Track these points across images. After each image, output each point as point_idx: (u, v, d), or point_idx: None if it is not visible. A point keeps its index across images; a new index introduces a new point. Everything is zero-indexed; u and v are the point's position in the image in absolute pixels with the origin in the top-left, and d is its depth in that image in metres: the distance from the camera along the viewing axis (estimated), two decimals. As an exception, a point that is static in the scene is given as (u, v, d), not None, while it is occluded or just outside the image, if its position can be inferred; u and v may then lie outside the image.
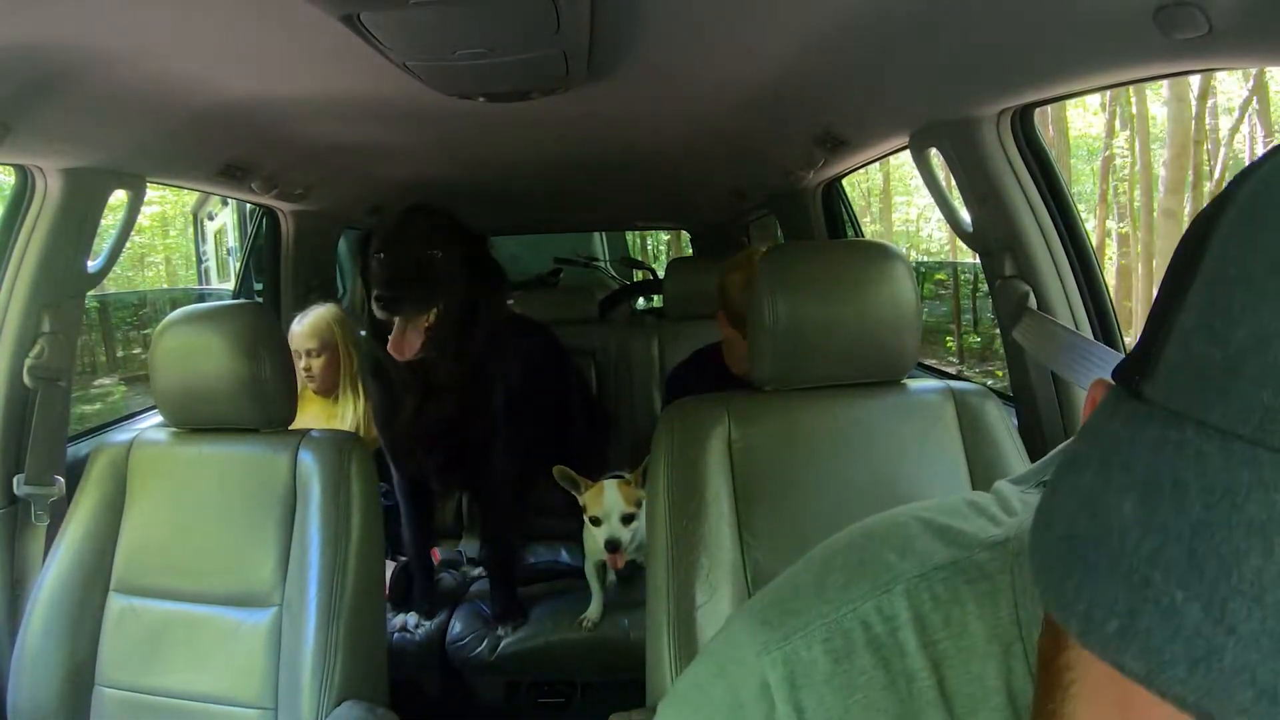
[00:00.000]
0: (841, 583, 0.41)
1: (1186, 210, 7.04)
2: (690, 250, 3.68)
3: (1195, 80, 6.85)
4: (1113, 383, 0.28)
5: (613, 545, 1.46)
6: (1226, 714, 0.19)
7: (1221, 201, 0.27)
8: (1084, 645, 0.22)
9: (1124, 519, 0.23)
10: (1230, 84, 8.06)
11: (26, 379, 1.28)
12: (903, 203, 9.88)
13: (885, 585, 0.39)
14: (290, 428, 1.27)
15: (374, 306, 1.39)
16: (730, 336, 1.59)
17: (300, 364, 1.79)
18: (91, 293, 1.43)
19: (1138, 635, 0.21)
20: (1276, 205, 0.25)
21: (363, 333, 1.74)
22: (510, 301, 1.76)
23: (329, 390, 1.87)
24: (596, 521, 1.48)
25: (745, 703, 0.40)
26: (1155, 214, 7.34)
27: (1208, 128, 7.71)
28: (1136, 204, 8.14)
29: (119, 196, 1.37)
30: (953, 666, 0.38)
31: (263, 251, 2.21)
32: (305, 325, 1.86)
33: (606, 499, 1.47)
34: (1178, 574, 0.21)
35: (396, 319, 1.40)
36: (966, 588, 0.39)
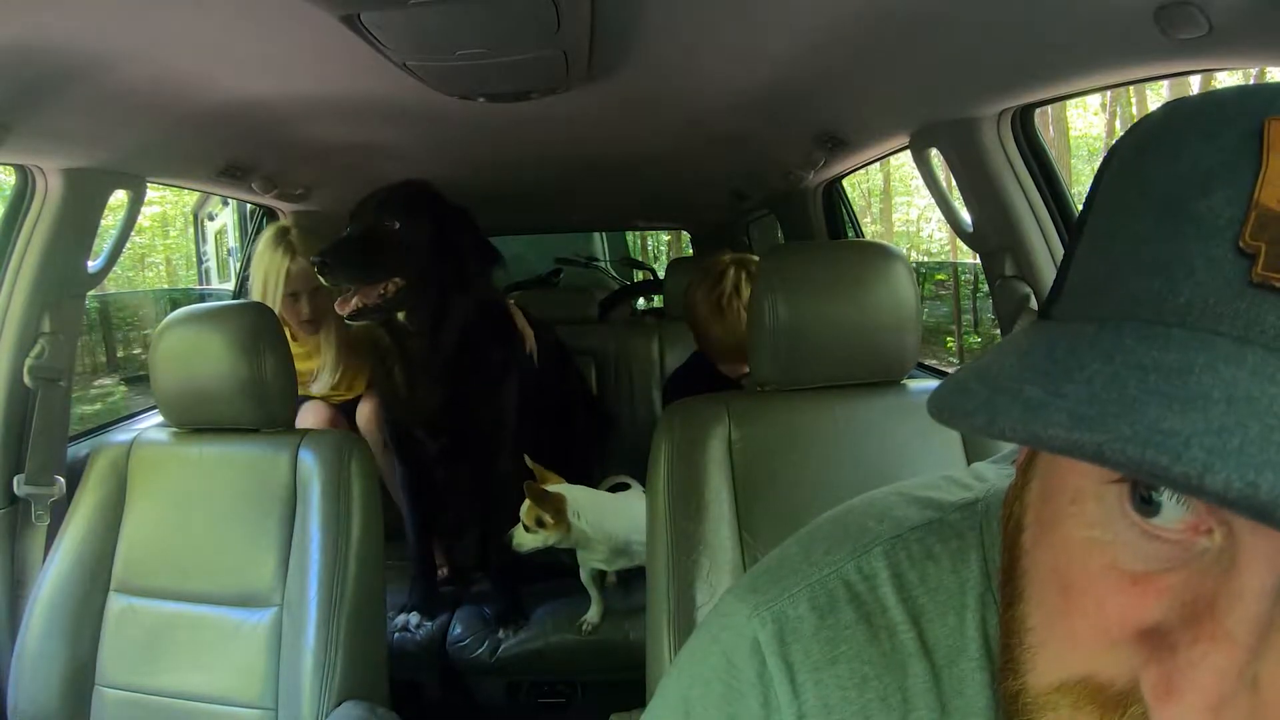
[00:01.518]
0: (824, 549, 0.44)
1: (1187, 210, 7.02)
2: (690, 250, 3.67)
3: (1195, 80, 6.84)
4: None
5: (507, 540, 1.52)
6: (1047, 434, 0.25)
7: (1107, 159, 0.34)
8: (956, 428, 0.29)
9: (1003, 369, 0.29)
10: (1230, 84, 8.05)
11: (27, 379, 1.28)
12: (903, 203, 9.88)
13: (865, 547, 0.43)
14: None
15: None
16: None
17: (299, 305, 1.73)
18: (91, 293, 1.43)
19: (991, 409, 0.27)
20: (1147, 148, 0.31)
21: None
22: (507, 290, 1.75)
23: (317, 327, 1.79)
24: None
25: (738, 663, 0.42)
26: (1155, 214, 7.31)
27: (1208, 128, 7.70)
28: (1136, 204, 8.12)
29: (119, 196, 1.37)
30: (930, 620, 0.40)
31: (263, 251, 2.20)
32: (302, 263, 1.73)
33: (524, 506, 1.51)
34: (1030, 379, 0.27)
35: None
36: (940, 546, 0.42)
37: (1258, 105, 0.29)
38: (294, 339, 1.77)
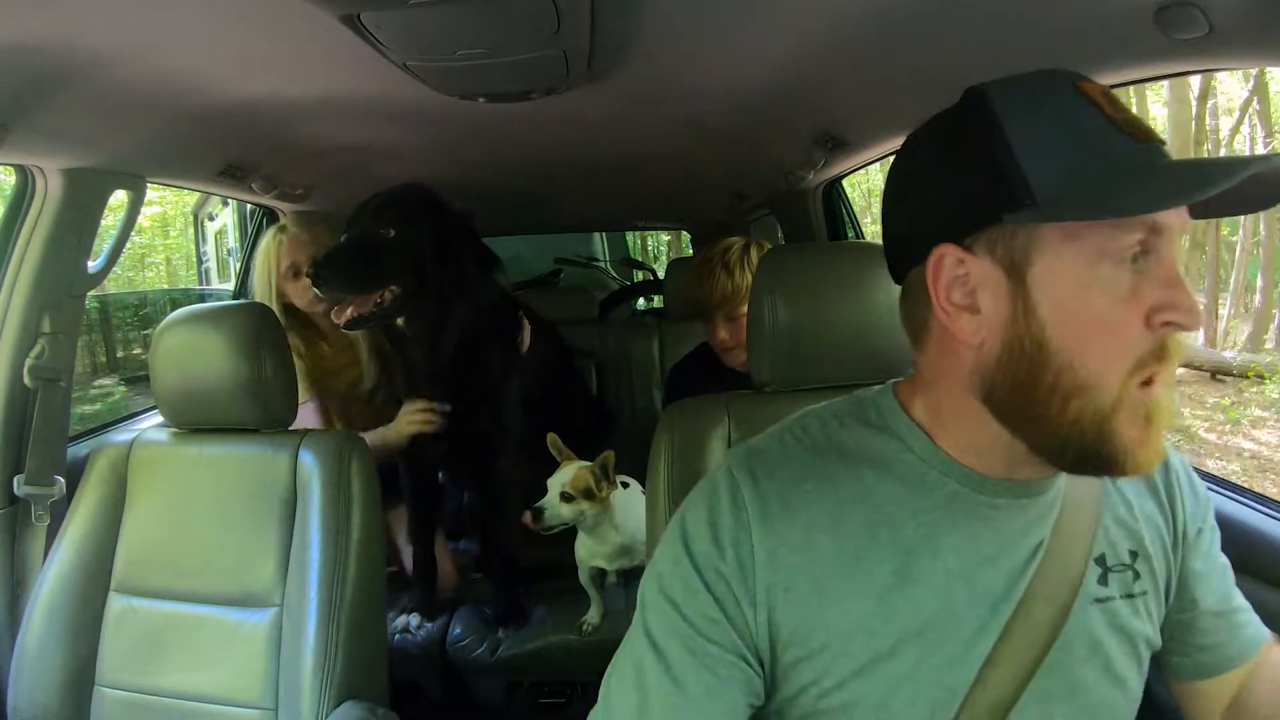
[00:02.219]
0: (773, 429, 0.68)
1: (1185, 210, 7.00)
2: (690, 250, 3.67)
3: (1195, 80, 6.84)
4: (955, 244, 0.57)
5: (534, 512, 1.44)
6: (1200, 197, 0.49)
7: (980, 106, 0.57)
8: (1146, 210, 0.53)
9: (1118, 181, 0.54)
10: (1230, 84, 8.03)
11: (27, 379, 1.28)
12: (903, 203, 9.86)
13: (800, 418, 0.68)
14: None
15: None
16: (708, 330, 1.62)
17: (302, 281, 1.62)
18: (91, 293, 1.43)
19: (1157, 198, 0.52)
20: (1014, 114, 0.55)
21: None
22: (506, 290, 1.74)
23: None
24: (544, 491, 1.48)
25: (717, 480, 0.64)
26: (1155, 214, 7.31)
27: (1208, 128, 7.69)
28: (1136, 204, 8.11)
29: (119, 196, 1.37)
30: (846, 445, 0.64)
31: (263, 252, 2.20)
32: (295, 232, 1.67)
33: (559, 474, 1.46)
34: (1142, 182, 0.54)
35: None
36: (846, 407, 0.67)
37: (1053, 80, 0.56)
38: (324, 339, 1.73)
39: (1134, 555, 0.64)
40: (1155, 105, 7.88)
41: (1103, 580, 0.63)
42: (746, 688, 0.60)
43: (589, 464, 1.48)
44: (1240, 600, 0.70)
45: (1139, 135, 0.54)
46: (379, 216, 1.47)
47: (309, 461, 1.19)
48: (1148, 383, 0.53)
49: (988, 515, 0.61)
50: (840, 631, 0.59)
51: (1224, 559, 0.70)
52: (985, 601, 0.60)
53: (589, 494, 1.45)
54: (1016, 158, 0.54)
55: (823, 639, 0.59)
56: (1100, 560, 0.63)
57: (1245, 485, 1.27)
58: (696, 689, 0.59)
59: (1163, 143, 0.55)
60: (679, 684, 0.59)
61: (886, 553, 0.60)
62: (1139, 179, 0.52)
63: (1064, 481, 0.63)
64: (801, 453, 0.64)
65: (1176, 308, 0.53)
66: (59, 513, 1.28)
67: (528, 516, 1.46)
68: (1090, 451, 0.54)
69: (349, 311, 1.44)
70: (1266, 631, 0.70)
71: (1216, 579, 0.69)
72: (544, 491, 1.49)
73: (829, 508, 0.61)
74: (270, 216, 2.12)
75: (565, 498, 1.45)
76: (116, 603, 1.20)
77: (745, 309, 1.49)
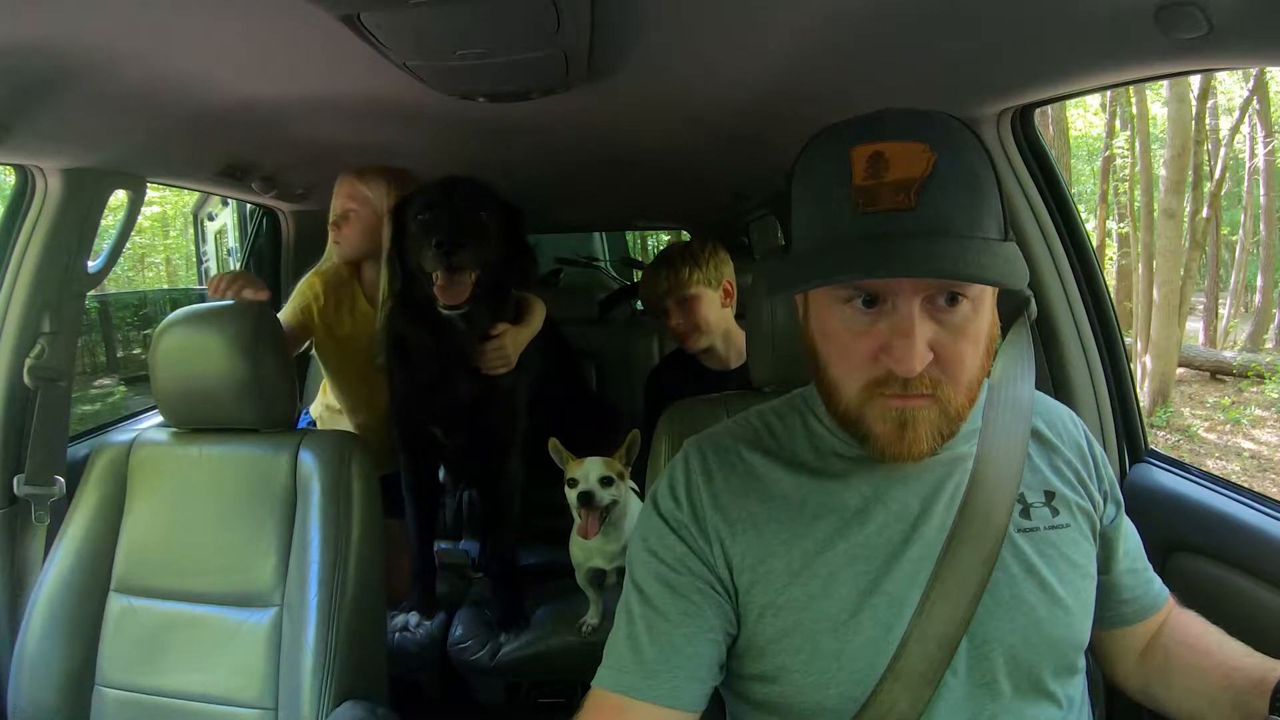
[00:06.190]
0: (726, 422, 0.84)
1: (1187, 210, 7.02)
2: (690, 250, 3.66)
3: (1195, 80, 6.84)
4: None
5: (585, 498, 1.45)
6: (846, 278, 0.67)
7: (801, 153, 0.71)
8: (791, 293, 0.78)
9: (799, 264, 0.71)
10: (1230, 84, 8.04)
11: (26, 379, 1.28)
12: (903, 203, 9.85)
13: (746, 413, 0.84)
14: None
15: (429, 256, 1.40)
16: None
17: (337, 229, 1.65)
18: (91, 293, 1.43)
19: (808, 279, 0.70)
20: (801, 172, 0.70)
21: None
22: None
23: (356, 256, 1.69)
24: (574, 483, 1.47)
25: (676, 460, 0.80)
26: (1155, 214, 7.33)
27: (1208, 128, 7.69)
28: (1136, 204, 8.13)
29: (119, 196, 1.37)
30: (777, 428, 0.80)
31: (263, 251, 2.21)
32: (347, 184, 1.63)
33: (586, 464, 1.48)
34: (821, 261, 0.68)
35: (442, 272, 1.42)
36: (783, 406, 0.82)
37: (840, 141, 0.66)
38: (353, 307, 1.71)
39: (1050, 495, 0.76)
40: (1155, 105, 7.89)
41: (1025, 514, 0.74)
42: (717, 610, 0.72)
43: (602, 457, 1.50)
44: (1146, 561, 0.84)
45: (866, 203, 0.63)
46: (475, 200, 1.46)
47: (309, 461, 1.19)
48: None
49: (901, 476, 0.73)
50: (782, 561, 0.72)
51: (1130, 523, 0.83)
52: (916, 535, 0.72)
53: (621, 476, 1.49)
54: (791, 215, 0.71)
55: (769, 565, 0.72)
56: (1021, 499, 0.74)
57: (1245, 485, 1.27)
58: (675, 613, 0.72)
59: (897, 209, 0.63)
60: (661, 612, 0.72)
61: (811, 499, 0.74)
62: (805, 263, 0.67)
63: (976, 442, 0.73)
64: (739, 430, 0.80)
65: (894, 350, 0.65)
66: (59, 513, 1.28)
67: (585, 520, 1.47)
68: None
69: (467, 293, 1.42)
70: (1167, 590, 0.84)
71: (1132, 540, 0.83)
72: (550, 491, 1.49)
73: (761, 466, 0.76)
74: (270, 216, 2.13)
75: (605, 482, 1.47)
76: (116, 603, 1.20)
77: (692, 292, 1.66)
